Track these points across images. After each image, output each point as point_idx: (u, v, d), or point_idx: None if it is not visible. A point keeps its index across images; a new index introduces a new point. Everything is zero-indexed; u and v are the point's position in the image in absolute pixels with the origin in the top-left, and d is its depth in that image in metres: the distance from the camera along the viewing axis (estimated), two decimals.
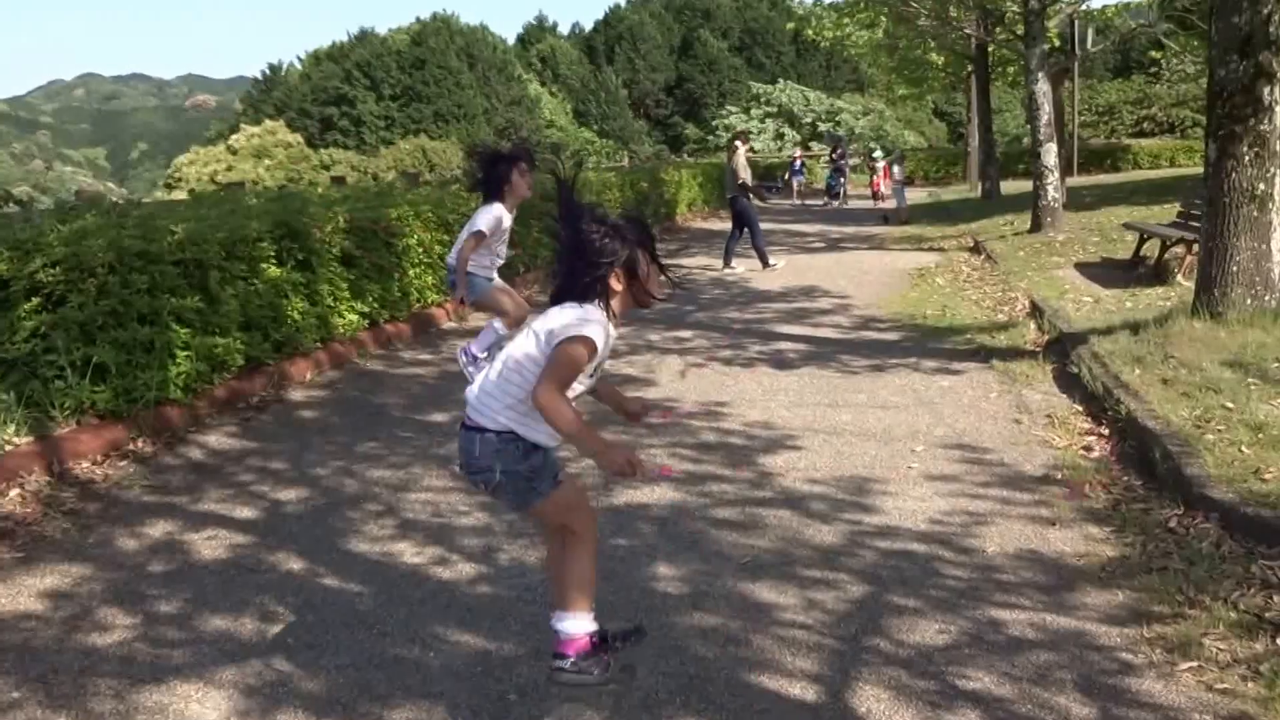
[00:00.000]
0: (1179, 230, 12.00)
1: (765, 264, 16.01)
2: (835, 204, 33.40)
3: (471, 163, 6.66)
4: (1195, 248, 10.13)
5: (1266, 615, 3.80)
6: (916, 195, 33.22)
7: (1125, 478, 5.55)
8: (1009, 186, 29.20)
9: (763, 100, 71.25)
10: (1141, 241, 13.14)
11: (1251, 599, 3.95)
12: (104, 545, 5.11)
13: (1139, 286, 11.38)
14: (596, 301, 3.09)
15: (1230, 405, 6.04)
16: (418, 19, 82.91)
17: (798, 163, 36.78)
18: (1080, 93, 44.83)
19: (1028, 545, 4.75)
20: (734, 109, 73.21)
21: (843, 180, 34.55)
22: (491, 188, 6.35)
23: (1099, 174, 39.48)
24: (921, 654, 3.77)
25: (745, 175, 16.17)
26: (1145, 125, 61.23)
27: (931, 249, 18.28)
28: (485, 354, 6.62)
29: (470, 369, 6.65)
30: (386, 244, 10.34)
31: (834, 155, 35.80)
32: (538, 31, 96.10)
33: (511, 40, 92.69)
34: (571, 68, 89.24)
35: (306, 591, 4.51)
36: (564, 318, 3.07)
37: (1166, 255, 12.07)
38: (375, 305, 10.03)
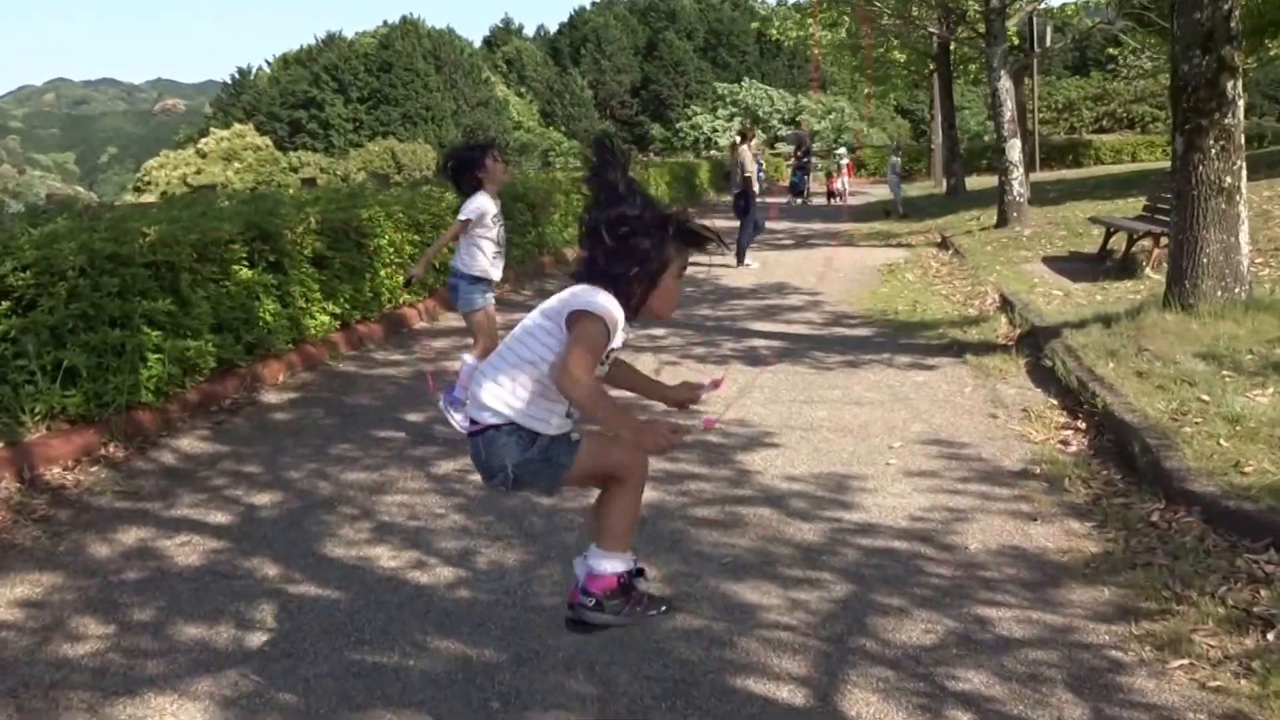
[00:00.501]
0: (1146, 224, 12.09)
1: (740, 261, 16.02)
2: (799, 201, 33.65)
3: (447, 164, 6.55)
4: (1163, 241, 10.20)
5: (1255, 610, 3.77)
6: (881, 191, 33.49)
7: (1104, 472, 5.54)
8: (973, 182, 29.38)
9: (728, 100, 71.51)
10: (1108, 235, 13.23)
11: (1239, 594, 3.93)
12: (76, 553, 5.01)
13: (1108, 280, 11.44)
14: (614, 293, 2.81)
15: (1206, 398, 6.05)
16: (385, 22, 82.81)
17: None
18: (1039, 89, 45.22)
19: (1010, 541, 4.73)
20: (699, 109, 73.46)
21: (807, 178, 34.91)
22: (470, 180, 6.32)
23: (1061, 169, 39.94)
24: (909, 654, 3.73)
25: (752, 171, 16.17)
26: (1105, 121, 61.90)
27: (899, 245, 18.35)
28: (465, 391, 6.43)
29: (460, 418, 6.36)
30: (358, 244, 10.25)
31: (798, 154, 35.97)
32: (504, 34, 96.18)
33: (478, 43, 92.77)
34: (537, 70, 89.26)
35: (282, 598, 4.43)
36: (576, 290, 2.80)
37: (1134, 249, 12.14)
38: (347, 306, 9.94)
